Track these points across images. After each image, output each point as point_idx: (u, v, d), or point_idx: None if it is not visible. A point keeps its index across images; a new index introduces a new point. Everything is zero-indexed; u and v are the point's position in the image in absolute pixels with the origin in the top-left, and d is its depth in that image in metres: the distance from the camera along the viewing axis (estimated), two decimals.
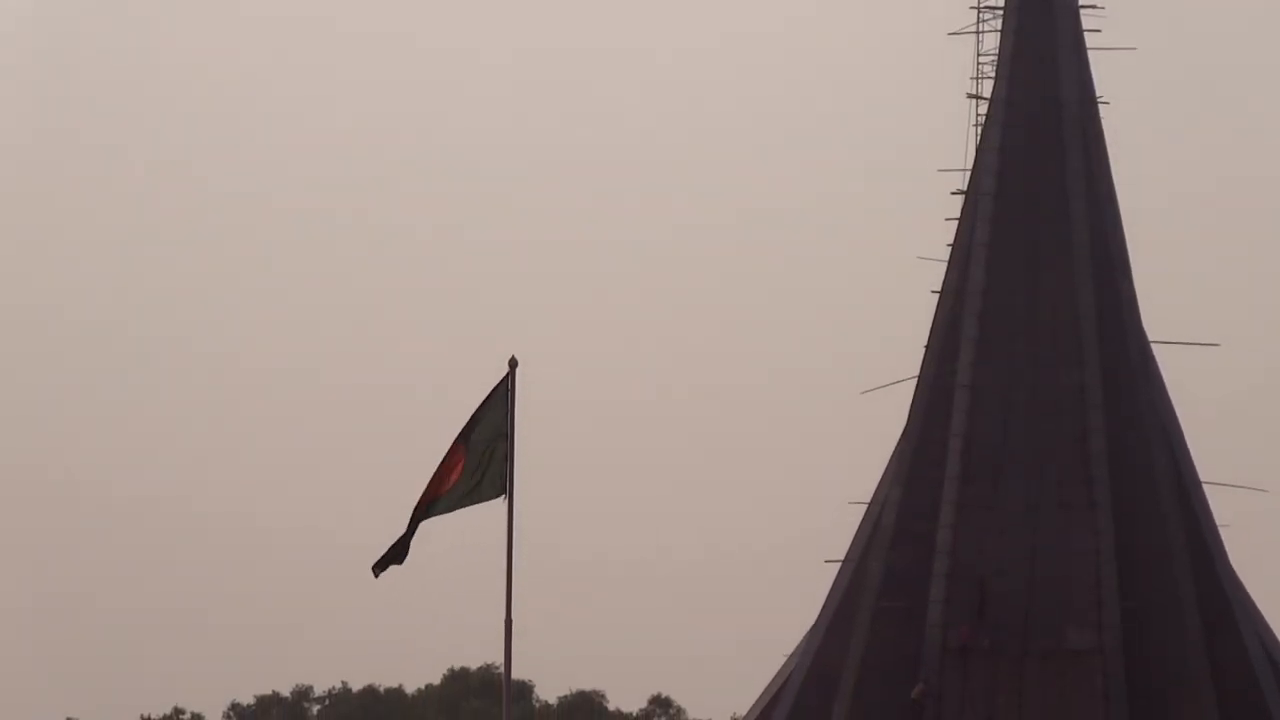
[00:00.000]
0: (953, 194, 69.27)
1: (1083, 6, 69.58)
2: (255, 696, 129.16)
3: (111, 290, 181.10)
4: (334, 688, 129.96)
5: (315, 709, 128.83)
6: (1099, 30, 69.91)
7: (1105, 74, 70.73)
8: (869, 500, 68.68)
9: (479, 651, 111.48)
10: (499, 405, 34.92)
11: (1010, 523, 66.82)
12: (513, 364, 33.61)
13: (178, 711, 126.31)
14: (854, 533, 69.18)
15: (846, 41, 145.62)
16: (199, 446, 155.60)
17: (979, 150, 69.18)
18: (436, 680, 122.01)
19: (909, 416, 68.67)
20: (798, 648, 69.39)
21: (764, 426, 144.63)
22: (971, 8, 69.00)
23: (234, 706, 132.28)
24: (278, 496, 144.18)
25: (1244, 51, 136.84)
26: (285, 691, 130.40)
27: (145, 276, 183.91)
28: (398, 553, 36.76)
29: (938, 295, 68.66)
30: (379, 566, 36.52)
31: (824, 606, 69.19)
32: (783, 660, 70.25)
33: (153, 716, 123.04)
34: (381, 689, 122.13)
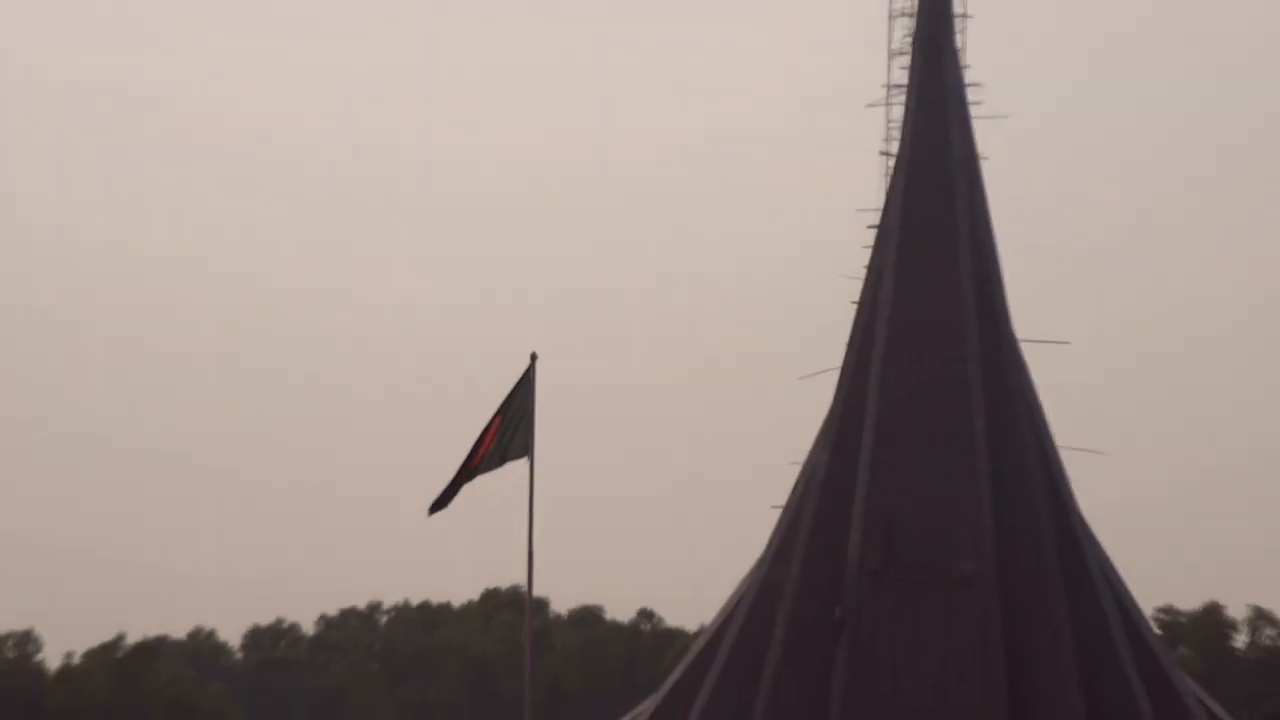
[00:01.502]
0: (868, 227, 67.50)
1: (967, 85, 67.75)
2: (338, 609, 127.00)
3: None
4: (398, 602, 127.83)
5: (383, 619, 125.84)
6: (980, 102, 68.18)
7: (984, 135, 68.42)
8: (804, 460, 66.73)
9: (508, 574, 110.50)
10: (525, 388, 37.62)
11: (911, 477, 64.46)
12: (533, 357, 37.36)
13: (279, 621, 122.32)
14: (792, 484, 66.98)
15: (790, 110, 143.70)
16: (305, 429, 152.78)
17: (888, 193, 67.49)
18: (476, 597, 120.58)
19: (834, 396, 66.69)
20: (749, 574, 67.58)
21: (726, 406, 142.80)
22: (883, 86, 67.44)
23: (322, 618, 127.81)
24: (352, 461, 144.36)
25: (1088, 115, 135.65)
26: (361, 605, 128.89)
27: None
28: (445, 499, 37.34)
29: (856, 305, 66.79)
30: (432, 509, 37.20)
31: (769, 542, 67.18)
32: (738, 583, 67.82)
33: (261, 623, 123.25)
34: (434, 603, 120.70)
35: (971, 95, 67.92)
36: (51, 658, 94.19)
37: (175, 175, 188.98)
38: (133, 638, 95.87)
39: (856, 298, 67.53)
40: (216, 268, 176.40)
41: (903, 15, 66.56)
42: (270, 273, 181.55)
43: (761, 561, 67.27)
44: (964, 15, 67.13)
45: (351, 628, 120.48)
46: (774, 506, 67.65)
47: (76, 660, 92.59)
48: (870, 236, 68.01)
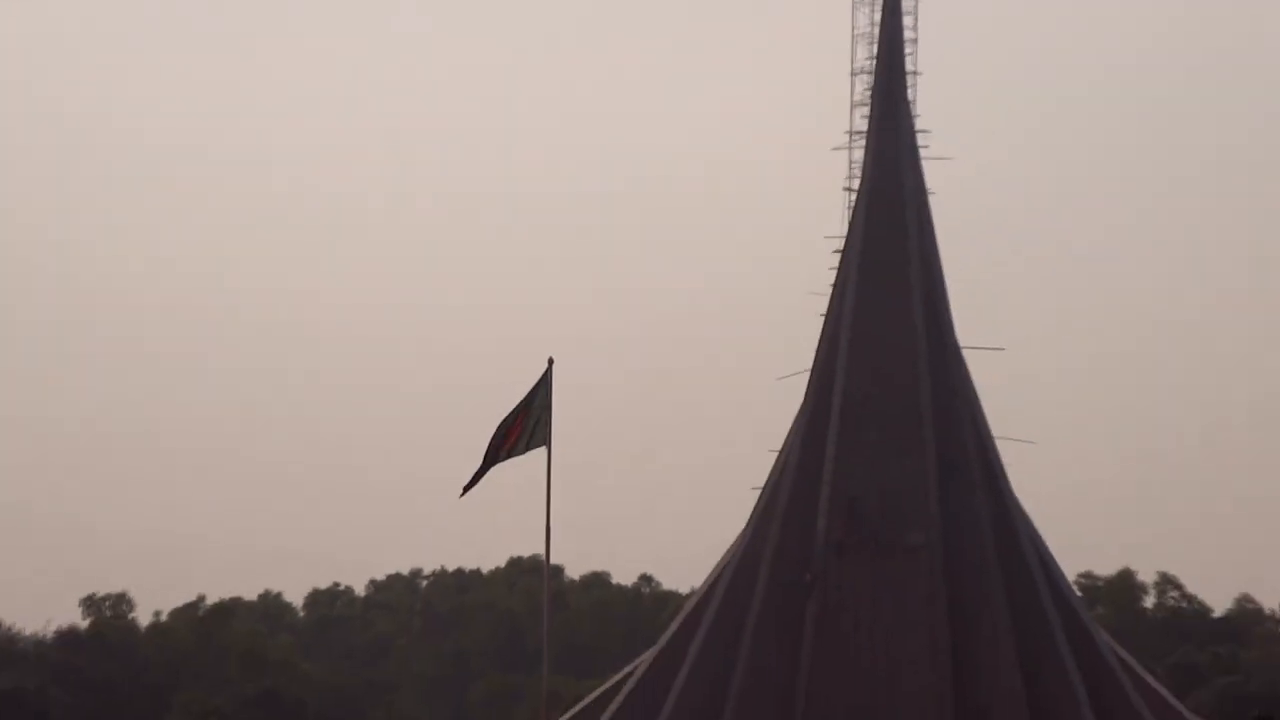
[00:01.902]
0: (834, 252, 68.86)
1: (918, 131, 69.06)
2: (385, 574, 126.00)
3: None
4: (436, 569, 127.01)
5: (424, 583, 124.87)
6: (928, 146, 69.03)
7: (932, 174, 69.60)
8: (780, 448, 68.09)
9: (530, 545, 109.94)
10: (544, 387, 36.98)
11: (869, 463, 66.12)
12: (550, 361, 36.25)
13: (335, 585, 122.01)
14: (769, 469, 68.59)
15: (770, 152, 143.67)
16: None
17: (850, 224, 68.96)
18: (503, 564, 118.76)
19: (805, 395, 68.00)
20: (733, 544, 68.79)
21: (714, 402, 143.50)
22: (846, 133, 68.39)
23: (371, 582, 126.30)
24: (397, 448, 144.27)
25: (1021, 156, 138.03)
26: (405, 571, 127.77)
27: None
28: (474, 481, 36.31)
29: (824, 318, 68.11)
30: (464, 490, 36.02)
31: (750, 517, 68.69)
32: (724, 552, 69.37)
33: (320, 587, 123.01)
34: (466, 570, 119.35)
35: (921, 140, 68.86)
36: (142, 616, 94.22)
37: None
38: (211, 599, 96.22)
39: (824, 311, 68.22)
40: (261, 267, 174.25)
41: (863, 73, 67.31)
42: (316, 274, 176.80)
43: (744, 533, 68.19)
44: (914, 73, 68.04)
45: (397, 590, 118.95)
46: (754, 488, 68.80)
47: (164, 618, 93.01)
48: (835, 260, 68.74)
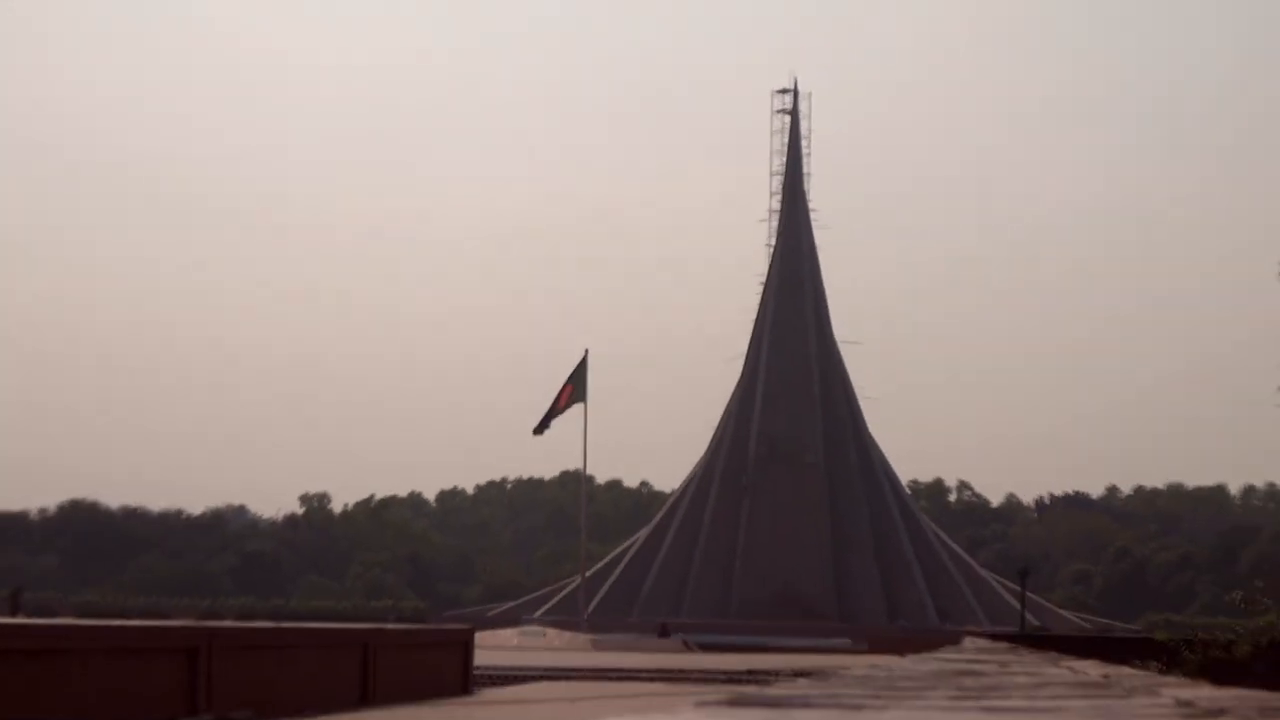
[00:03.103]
0: (760, 282, 72.13)
1: (811, 211, 72.31)
2: (486, 480, 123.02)
3: None
4: (517, 477, 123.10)
5: (509, 486, 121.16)
6: (816, 211, 72.72)
7: (821, 241, 73.82)
8: (725, 408, 72.45)
9: (574, 461, 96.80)
10: (582, 368, 43.47)
11: (782, 416, 70.37)
12: (586, 351, 43.54)
13: (454, 486, 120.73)
14: (719, 419, 72.97)
15: (720, 220, 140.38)
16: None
17: (770, 265, 72.22)
18: (556, 474, 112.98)
19: (741, 370, 72.39)
20: (699, 461, 72.57)
21: (687, 380, 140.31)
22: (767, 209, 71.90)
23: (476, 486, 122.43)
24: (498, 402, 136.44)
25: (888, 223, 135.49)
26: (496, 479, 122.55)
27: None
28: (543, 425, 45.78)
29: (754, 321, 72.30)
30: (536, 430, 45.64)
31: (708, 446, 72.60)
32: (692, 466, 73.36)
33: (444, 487, 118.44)
34: (534, 478, 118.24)
35: (813, 215, 72.07)
36: (336, 506, 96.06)
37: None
38: (379, 495, 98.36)
39: (754, 318, 72.06)
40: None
41: (776, 175, 70.56)
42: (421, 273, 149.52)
43: (704, 457, 72.11)
44: (809, 175, 71.11)
45: (493, 489, 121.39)
46: (711, 427, 72.87)
47: (350, 507, 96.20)
48: (760, 287, 72.03)
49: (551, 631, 43.52)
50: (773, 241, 71.17)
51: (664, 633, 45.75)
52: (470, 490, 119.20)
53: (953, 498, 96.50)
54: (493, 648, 25.58)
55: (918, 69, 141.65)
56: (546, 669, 20.33)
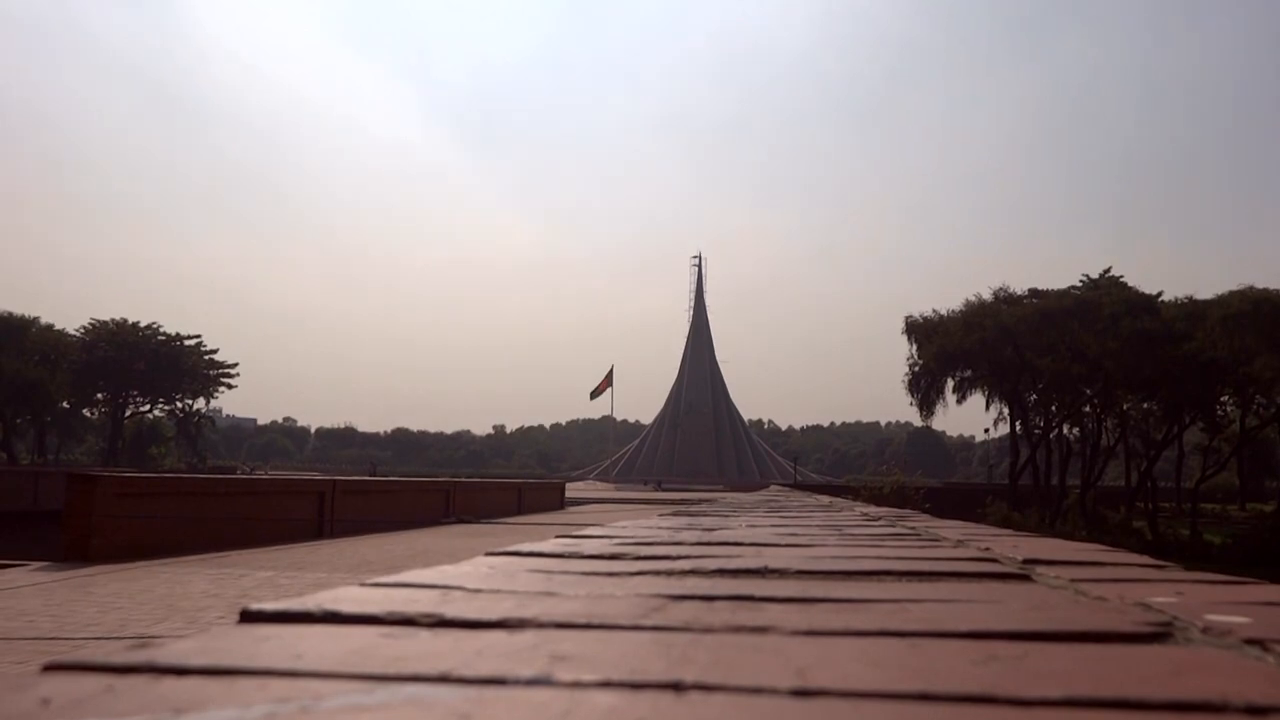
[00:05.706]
0: (684, 347, 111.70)
1: (708, 313, 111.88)
2: (551, 423, 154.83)
3: None
4: (571, 420, 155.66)
5: (549, 428, 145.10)
6: (714, 310, 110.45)
7: (713, 321, 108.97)
8: (669, 394, 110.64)
9: (604, 410, 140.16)
10: (610, 374, 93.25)
11: (694, 389, 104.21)
12: (612, 367, 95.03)
13: (501, 425, 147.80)
14: (665, 399, 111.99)
15: (657, 318, 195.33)
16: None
17: (688, 336, 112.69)
18: (598, 416, 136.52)
19: (676, 374, 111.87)
20: (659, 414, 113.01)
21: (647, 384, 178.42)
22: (686, 309, 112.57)
23: (544, 425, 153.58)
24: (558, 363, 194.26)
25: (766, 310, 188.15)
26: (547, 425, 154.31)
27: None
28: (597, 393, 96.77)
29: (680, 360, 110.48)
30: (592, 396, 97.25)
31: (664, 405, 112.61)
32: (656, 414, 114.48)
33: (498, 423, 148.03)
34: (588, 419, 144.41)
35: (710, 316, 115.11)
36: (504, 429, 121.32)
37: None
38: (510, 428, 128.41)
39: (680, 359, 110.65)
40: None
41: (691, 290, 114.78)
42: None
43: (662, 411, 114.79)
44: (706, 290, 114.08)
45: (570, 425, 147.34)
46: (663, 397, 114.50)
47: (493, 431, 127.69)
48: (682, 347, 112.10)
49: (599, 483, 62.10)
50: (690, 316, 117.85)
51: (648, 484, 65.72)
52: (564, 424, 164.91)
53: (766, 426, 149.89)
54: (572, 489, 34.92)
55: (774, 246, 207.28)
56: (595, 499, 30.88)
